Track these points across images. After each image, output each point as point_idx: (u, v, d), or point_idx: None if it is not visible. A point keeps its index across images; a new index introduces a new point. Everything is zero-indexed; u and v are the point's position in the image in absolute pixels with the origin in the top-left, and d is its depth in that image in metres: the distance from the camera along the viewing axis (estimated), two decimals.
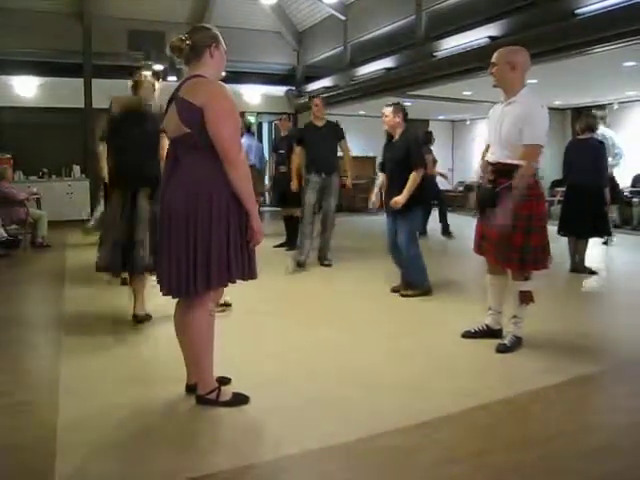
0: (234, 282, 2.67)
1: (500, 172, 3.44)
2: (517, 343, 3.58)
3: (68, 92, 10.80)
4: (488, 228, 3.53)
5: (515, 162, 3.36)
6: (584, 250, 6.05)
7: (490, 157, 3.56)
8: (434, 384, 3.09)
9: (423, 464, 2.30)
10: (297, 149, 6.61)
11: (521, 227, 3.37)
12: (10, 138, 10.63)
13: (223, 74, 2.77)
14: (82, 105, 10.87)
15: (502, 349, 3.54)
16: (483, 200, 3.54)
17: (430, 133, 9.41)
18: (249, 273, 2.71)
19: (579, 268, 6.02)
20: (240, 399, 2.80)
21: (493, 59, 3.48)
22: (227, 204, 2.56)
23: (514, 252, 3.41)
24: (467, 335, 3.81)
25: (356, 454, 2.39)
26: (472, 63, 7.53)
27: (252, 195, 2.62)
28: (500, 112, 3.51)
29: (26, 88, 10.93)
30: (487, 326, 3.78)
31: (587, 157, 5.88)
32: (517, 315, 3.59)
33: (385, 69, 9.70)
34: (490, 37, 7.32)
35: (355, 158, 12.70)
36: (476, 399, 2.86)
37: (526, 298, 3.52)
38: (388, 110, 4.95)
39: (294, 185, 6.74)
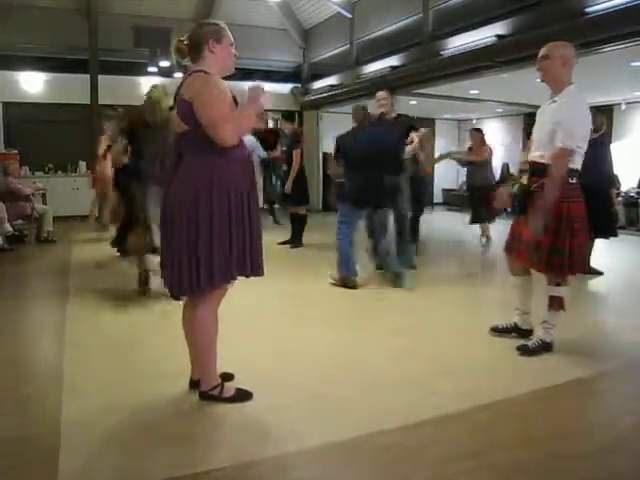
0: (236, 279, 2.66)
1: (533, 171, 3.41)
2: (542, 348, 3.47)
3: (74, 88, 10.84)
4: (522, 228, 3.45)
5: (545, 161, 3.31)
6: (590, 251, 6.00)
7: (530, 156, 3.48)
8: (437, 383, 3.07)
9: (424, 462, 2.30)
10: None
11: (551, 228, 3.27)
12: (16, 134, 10.67)
13: (232, 69, 2.73)
14: (88, 101, 10.91)
15: (523, 350, 3.48)
16: (516, 197, 3.47)
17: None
18: (255, 270, 2.70)
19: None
20: (243, 395, 2.80)
21: (545, 52, 3.33)
22: (228, 200, 2.55)
23: (542, 253, 3.32)
24: (495, 330, 3.79)
25: (357, 452, 2.38)
26: (479, 62, 7.51)
27: (245, 121, 2.60)
28: (546, 111, 3.42)
29: (32, 84, 10.95)
30: (515, 324, 3.74)
31: (591, 157, 5.82)
32: (547, 320, 3.48)
33: (391, 67, 9.67)
34: (497, 36, 7.28)
35: None
36: (478, 398, 2.85)
37: (555, 304, 3.42)
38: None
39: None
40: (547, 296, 3.45)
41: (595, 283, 5.76)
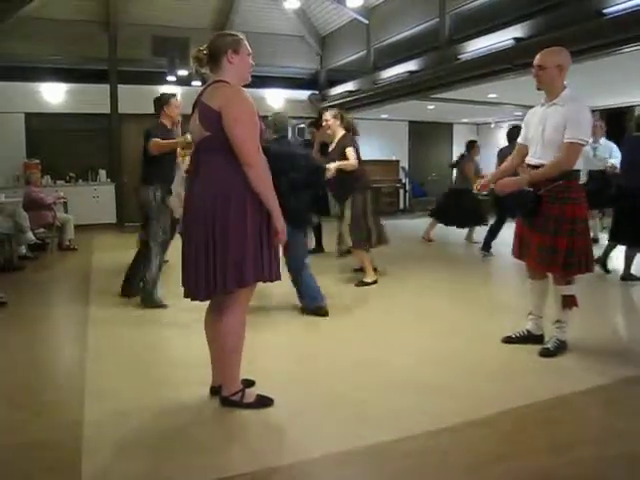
0: (264, 281, 2.68)
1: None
2: (561, 347, 3.53)
3: (94, 98, 10.98)
4: (529, 231, 3.48)
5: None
6: (633, 257, 5.67)
7: (531, 159, 3.49)
8: (460, 388, 3.05)
9: (448, 469, 2.27)
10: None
11: (565, 230, 3.31)
12: (38, 143, 10.82)
13: (249, 78, 2.77)
14: (108, 111, 11.07)
15: (545, 353, 3.49)
16: (524, 203, 3.43)
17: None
18: (276, 274, 2.73)
19: (625, 276, 5.69)
20: (264, 401, 2.80)
21: (540, 62, 3.40)
22: (247, 204, 2.57)
23: (558, 255, 3.33)
24: (507, 341, 3.74)
25: (378, 458, 2.36)
26: (497, 65, 7.46)
27: (273, 194, 2.63)
28: (542, 113, 3.45)
29: (54, 94, 11.11)
30: (528, 331, 3.72)
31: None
32: (560, 320, 3.53)
33: (409, 72, 9.64)
34: (515, 39, 7.22)
35: (378, 162, 12.80)
36: (499, 403, 2.82)
37: (569, 302, 3.45)
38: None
39: None
40: (559, 296, 3.49)
41: (627, 289, 5.65)
